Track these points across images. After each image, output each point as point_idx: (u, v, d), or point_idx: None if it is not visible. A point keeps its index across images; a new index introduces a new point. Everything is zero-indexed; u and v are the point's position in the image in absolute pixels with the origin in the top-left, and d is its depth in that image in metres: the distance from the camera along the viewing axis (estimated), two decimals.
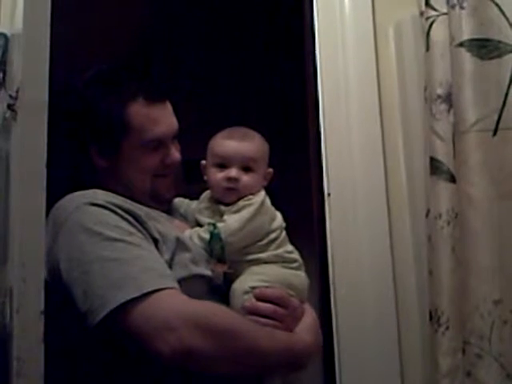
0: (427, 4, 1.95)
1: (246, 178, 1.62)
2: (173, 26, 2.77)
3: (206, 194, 1.69)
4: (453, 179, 1.83)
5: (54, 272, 1.40)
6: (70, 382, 1.45)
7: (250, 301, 1.49)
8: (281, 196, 1.71)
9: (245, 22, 2.96)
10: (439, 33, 1.92)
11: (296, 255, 1.65)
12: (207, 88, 2.78)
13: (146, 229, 1.46)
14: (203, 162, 1.69)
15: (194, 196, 1.75)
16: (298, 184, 1.84)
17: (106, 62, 1.71)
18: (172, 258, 1.46)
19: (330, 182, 2.08)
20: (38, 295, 1.27)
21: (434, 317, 1.79)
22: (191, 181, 1.73)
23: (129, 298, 1.31)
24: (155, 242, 1.46)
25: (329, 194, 2.06)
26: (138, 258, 1.38)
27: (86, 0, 2.44)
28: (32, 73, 1.31)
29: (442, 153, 1.86)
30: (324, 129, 2.11)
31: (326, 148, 2.10)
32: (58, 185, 1.43)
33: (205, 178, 1.68)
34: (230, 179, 1.61)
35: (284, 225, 1.66)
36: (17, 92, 1.30)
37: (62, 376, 1.41)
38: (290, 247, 1.65)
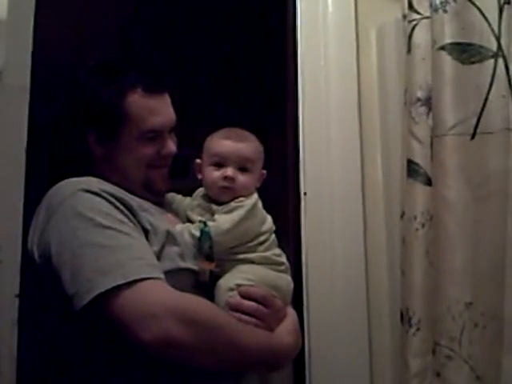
0: (410, 7, 2.02)
1: (242, 178, 1.72)
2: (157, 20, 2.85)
3: (199, 191, 1.79)
4: (429, 182, 1.91)
5: (44, 255, 1.49)
6: (48, 366, 1.54)
7: (234, 297, 1.58)
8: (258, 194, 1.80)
9: (227, 20, 3.02)
10: (421, 36, 1.99)
11: (283, 259, 1.75)
12: (189, 86, 2.85)
13: (137, 219, 1.55)
14: (198, 160, 1.78)
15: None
16: (274, 183, 1.91)
17: (100, 53, 1.79)
18: (161, 250, 1.55)
19: (306, 182, 2.15)
20: (13, 278, 1.35)
21: (405, 317, 1.87)
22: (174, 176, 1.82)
23: (115, 284, 1.39)
24: (146, 232, 1.54)
25: (305, 194, 2.14)
26: (127, 246, 1.47)
27: None
28: (15, 58, 1.40)
29: (420, 156, 1.93)
30: (302, 128, 2.19)
31: (303, 147, 2.18)
32: (54, 171, 1.50)
33: (199, 176, 1.78)
34: (226, 178, 1.71)
35: (274, 228, 1.76)
36: None
37: (39, 359, 1.50)
38: (277, 250, 1.75)
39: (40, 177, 1.57)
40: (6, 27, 1.38)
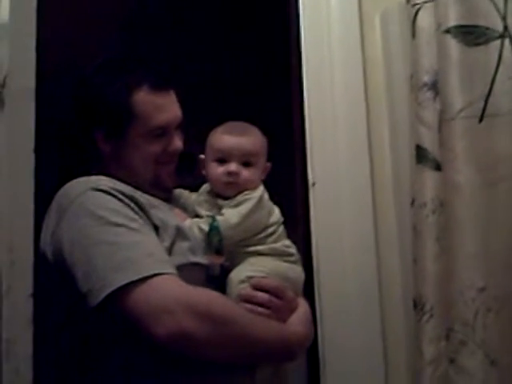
0: None
1: (245, 173, 1.74)
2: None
3: (206, 186, 1.81)
4: (438, 168, 1.92)
5: (56, 254, 1.52)
6: (63, 364, 1.58)
7: (245, 289, 1.61)
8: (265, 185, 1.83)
9: (231, 10, 3.04)
10: (425, 20, 1.99)
11: (293, 249, 1.77)
12: (194, 82, 2.87)
13: (147, 215, 1.58)
14: (201, 156, 1.81)
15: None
16: (281, 174, 1.93)
17: (105, 51, 1.82)
18: (172, 246, 1.58)
19: (314, 172, 2.17)
20: (27, 278, 1.39)
21: (418, 305, 1.88)
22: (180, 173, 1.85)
23: (128, 280, 1.42)
24: (156, 228, 1.58)
25: (313, 184, 2.16)
26: (138, 243, 1.50)
27: None
28: (19, 61, 1.43)
29: (428, 141, 1.94)
30: (309, 117, 2.21)
31: (310, 137, 2.19)
32: (64, 171, 1.53)
33: (203, 172, 1.80)
34: (230, 174, 1.73)
35: (282, 219, 1.79)
36: (4, 80, 1.41)
37: (54, 357, 1.54)
38: (287, 242, 1.77)
39: (50, 177, 1.60)
40: (8, 30, 1.41)
